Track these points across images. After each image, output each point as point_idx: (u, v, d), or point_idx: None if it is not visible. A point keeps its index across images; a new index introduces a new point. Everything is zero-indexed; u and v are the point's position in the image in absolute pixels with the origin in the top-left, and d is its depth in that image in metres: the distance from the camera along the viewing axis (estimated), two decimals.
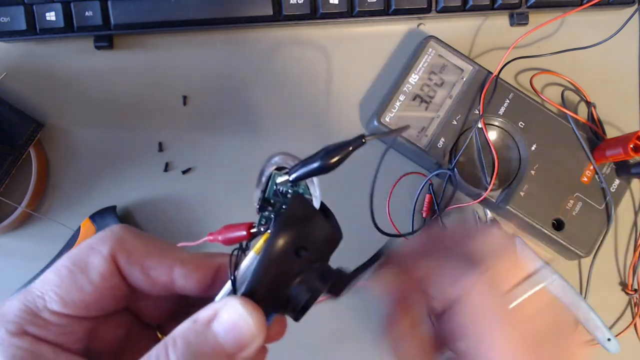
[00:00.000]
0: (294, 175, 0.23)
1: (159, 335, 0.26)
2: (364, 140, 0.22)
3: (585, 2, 0.47)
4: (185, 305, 0.26)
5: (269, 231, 0.23)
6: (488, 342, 0.23)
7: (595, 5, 0.46)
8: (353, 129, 0.47)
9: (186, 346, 0.20)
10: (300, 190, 0.24)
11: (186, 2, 0.45)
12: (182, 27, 0.46)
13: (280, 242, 0.21)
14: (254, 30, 0.48)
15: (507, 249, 0.25)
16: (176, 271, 0.23)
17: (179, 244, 0.30)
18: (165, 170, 0.47)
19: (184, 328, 0.20)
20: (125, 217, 0.46)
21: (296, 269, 0.21)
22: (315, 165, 0.22)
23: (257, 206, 0.25)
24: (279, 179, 0.24)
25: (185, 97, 0.47)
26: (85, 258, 0.22)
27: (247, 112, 0.47)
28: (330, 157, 0.22)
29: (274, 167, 0.24)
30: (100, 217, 0.44)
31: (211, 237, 0.26)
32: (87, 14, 0.45)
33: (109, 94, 0.47)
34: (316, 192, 0.24)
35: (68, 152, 0.47)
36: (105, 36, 0.46)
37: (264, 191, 0.25)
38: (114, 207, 0.45)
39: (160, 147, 0.47)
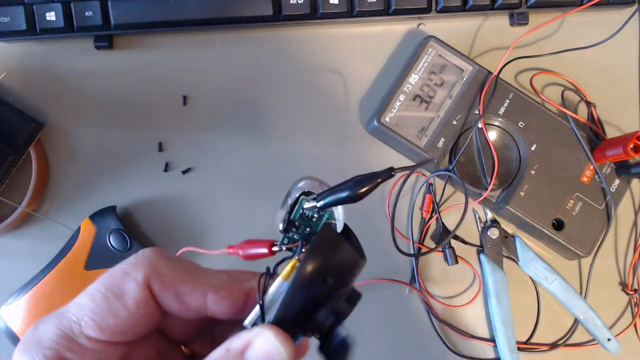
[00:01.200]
0: (322, 203, 0.24)
1: (184, 349, 0.27)
2: (392, 173, 0.22)
3: (585, 2, 0.47)
4: (211, 322, 0.26)
5: (295, 257, 0.23)
6: None
7: (595, 5, 0.46)
8: (353, 129, 0.47)
9: None
10: (326, 216, 0.25)
11: (186, 2, 0.45)
12: (182, 27, 0.46)
13: (309, 271, 0.21)
14: (254, 30, 0.48)
15: None
16: (209, 297, 0.23)
17: (185, 249, 0.31)
18: (165, 170, 0.47)
19: (218, 356, 0.21)
20: (125, 217, 0.46)
21: (324, 295, 0.22)
22: (343, 194, 0.23)
23: (282, 226, 0.26)
24: (307, 205, 0.25)
25: (185, 97, 0.47)
26: (119, 284, 0.22)
27: (247, 112, 0.47)
28: (359, 188, 0.22)
29: (301, 192, 0.25)
30: (100, 217, 0.44)
31: (231, 250, 0.27)
32: (87, 14, 0.45)
33: (109, 94, 0.47)
34: (340, 216, 0.25)
35: (68, 152, 0.47)
36: (105, 36, 0.46)
37: (289, 213, 0.26)
38: (114, 207, 0.45)
39: (160, 147, 0.47)
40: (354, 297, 0.23)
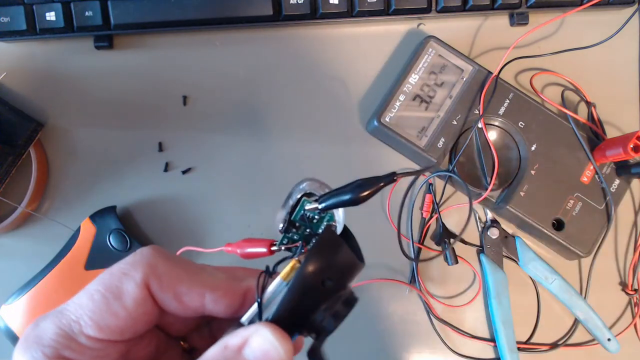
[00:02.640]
0: (323, 205, 0.24)
1: (183, 344, 0.27)
2: (395, 178, 0.23)
3: (585, 2, 0.47)
4: (210, 317, 0.26)
5: (295, 258, 0.24)
6: None
7: (595, 5, 0.46)
8: (353, 129, 0.47)
9: None
10: (327, 217, 0.26)
11: (186, 2, 0.45)
12: (182, 27, 0.46)
13: (310, 272, 0.22)
14: (254, 30, 0.48)
15: None
16: (207, 297, 0.24)
17: (184, 248, 0.30)
18: (165, 170, 0.47)
19: (214, 353, 0.21)
20: (125, 217, 0.46)
21: (322, 296, 0.22)
22: (345, 197, 0.23)
23: (282, 227, 0.26)
24: (308, 206, 0.25)
25: (185, 97, 0.47)
26: (118, 284, 0.22)
27: (247, 112, 0.47)
28: (360, 192, 0.23)
29: (303, 193, 0.25)
30: (100, 217, 0.44)
31: (229, 249, 0.27)
32: (87, 14, 0.45)
33: (108, 94, 0.47)
34: (340, 218, 0.25)
35: (68, 152, 0.47)
36: (105, 36, 0.46)
37: (290, 213, 0.26)
38: (114, 207, 0.45)
39: (160, 147, 0.47)
40: (350, 300, 0.23)
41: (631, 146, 0.41)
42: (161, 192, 0.47)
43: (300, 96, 0.48)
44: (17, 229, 0.46)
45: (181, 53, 0.48)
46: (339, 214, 0.25)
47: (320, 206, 0.24)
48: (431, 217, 0.46)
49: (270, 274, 0.23)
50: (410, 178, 0.45)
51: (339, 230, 0.25)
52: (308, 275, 0.22)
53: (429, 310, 0.46)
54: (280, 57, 0.48)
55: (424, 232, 0.47)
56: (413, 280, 0.46)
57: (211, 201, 0.47)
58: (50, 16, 0.45)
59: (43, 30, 0.45)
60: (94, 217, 0.44)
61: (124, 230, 0.44)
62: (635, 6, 0.48)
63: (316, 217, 0.26)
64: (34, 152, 0.45)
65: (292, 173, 0.47)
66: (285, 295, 0.22)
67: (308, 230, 0.26)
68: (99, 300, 0.22)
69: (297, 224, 0.26)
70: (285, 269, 0.23)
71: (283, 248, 0.26)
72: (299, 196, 0.26)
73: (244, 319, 0.23)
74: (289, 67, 0.48)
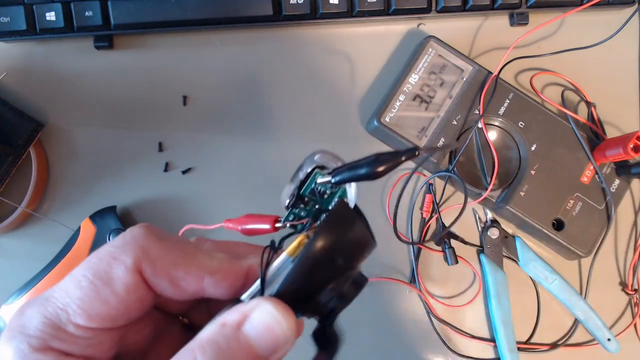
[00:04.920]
0: (337, 178, 0.22)
1: (183, 320, 0.25)
2: (417, 153, 0.21)
3: (585, 2, 0.46)
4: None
5: (304, 233, 0.22)
6: None
7: (595, 5, 0.46)
8: (353, 129, 0.47)
9: (216, 351, 0.19)
10: (339, 193, 0.24)
11: (186, 2, 0.45)
12: (182, 27, 0.46)
13: (319, 247, 0.20)
14: (253, 30, 0.48)
15: None
16: (206, 281, 0.22)
17: (188, 226, 0.29)
18: (165, 170, 0.47)
19: (211, 332, 0.19)
20: (125, 217, 0.46)
21: (330, 274, 0.21)
22: (362, 171, 0.21)
23: (289, 201, 0.24)
24: (320, 179, 0.23)
25: (185, 97, 0.47)
26: (107, 269, 0.20)
27: (247, 111, 0.47)
28: (379, 165, 0.21)
29: (315, 166, 0.23)
30: (100, 217, 0.44)
31: (230, 225, 0.25)
32: (87, 14, 0.45)
33: (109, 94, 0.47)
34: (352, 195, 0.23)
35: (68, 152, 0.47)
36: (105, 36, 0.46)
37: (299, 187, 0.24)
38: (114, 207, 0.45)
39: (160, 147, 0.47)
40: (360, 281, 0.21)
41: (631, 146, 0.41)
42: (161, 192, 0.47)
43: (300, 96, 0.48)
44: (17, 229, 0.46)
45: (181, 53, 0.48)
46: (352, 190, 0.23)
47: (333, 179, 0.22)
48: (431, 217, 0.46)
49: (275, 249, 0.22)
50: (409, 175, 0.45)
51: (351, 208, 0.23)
52: (318, 250, 0.20)
53: (429, 310, 0.46)
54: (281, 57, 0.48)
55: (424, 232, 0.47)
56: (413, 280, 0.46)
57: (211, 201, 0.47)
58: (50, 16, 0.45)
59: (43, 30, 0.45)
60: (94, 217, 0.44)
61: (124, 230, 0.44)
62: (635, 6, 0.48)
63: (327, 191, 0.24)
64: (34, 152, 0.45)
65: (292, 173, 0.47)
66: (291, 271, 0.20)
67: (317, 206, 0.24)
68: (87, 287, 0.20)
69: (306, 199, 0.24)
70: (292, 244, 0.21)
71: (288, 225, 0.24)
72: (310, 169, 0.23)
73: (245, 296, 0.21)
74: (289, 67, 0.48)
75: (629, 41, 0.49)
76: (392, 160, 0.21)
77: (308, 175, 0.24)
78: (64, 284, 0.20)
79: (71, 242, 0.44)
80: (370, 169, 0.21)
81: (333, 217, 0.21)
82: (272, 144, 0.47)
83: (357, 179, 0.21)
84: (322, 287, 0.20)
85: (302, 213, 0.24)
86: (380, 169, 0.21)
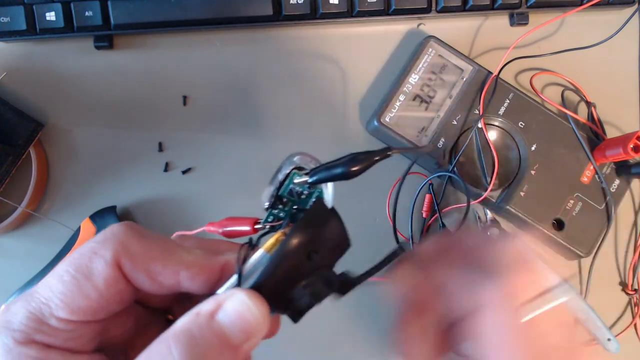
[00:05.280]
0: (314, 178, 0.23)
1: (170, 317, 0.26)
2: (389, 153, 0.22)
3: (585, 2, 0.47)
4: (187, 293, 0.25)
5: (281, 230, 0.23)
6: (497, 355, 0.23)
7: (595, 5, 0.46)
8: (353, 128, 0.47)
9: (189, 340, 0.19)
10: (316, 193, 0.24)
11: (186, 2, 0.45)
12: (182, 27, 0.46)
13: (295, 244, 0.21)
14: (254, 30, 0.48)
15: (526, 261, 0.25)
16: (182, 274, 0.23)
17: (176, 233, 0.30)
18: (165, 170, 0.47)
19: (186, 322, 0.20)
20: (125, 217, 0.46)
21: (304, 271, 0.21)
22: (337, 170, 0.22)
23: (268, 203, 0.25)
24: (297, 179, 0.24)
25: (185, 97, 0.47)
26: (88, 263, 0.21)
27: (247, 111, 0.47)
28: (354, 165, 0.22)
29: (293, 167, 0.24)
30: (100, 217, 0.44)
31: (212, 228, 0.26)
32: (87, 14, 0.45)
33: (109, 94, 0.47)
34: (330, 195, 0.23)
35: (68, 152, 0.47)
36: (105, 36, 0.46)
37: (278, 189, 0.25)
38: (114, 207, 0.45)
39: (160, 147, 0.47)
40: (332, 281, 0.22)
41: (631, 146, 0.41)
42: (161, 192, 0.47)
43: (300, 96, 0.48)
44: (17, 229, 0.46)
45: (181, 53, 0.48)
46: (329, 190, 0.24)
47: (310, 179, 0.23)
48: (431, 217, 0.46)
49: (252, 246, 0.22)
50: (404, 173, 0.45)
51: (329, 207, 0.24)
52: (294, 246, 0.21)
53: None
54: (280, 57, 0.48)
55: (424, 232, 0.47)
56: None
57: (211, 201, 0.47)
58: (50, 16, 0.45)
59: (43, 30, 0.45)
60: (94, 217, 0.44)
61: None
62: (635, 6, 0.48)
63: (305, 192, 0.24)
64: (34, 152, 0.45)
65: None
66: (266, 265, 0.21)
67: (295, 207, 0.25)
68: (69, 281, 0.21)
69: (285, 200, 0.25)
70: (270, 241, 0.22)
71: (268, 226, 0.25)
72: (288, 170, 0.24)
73: (221, 290, 0.22)
74: (289, 67, 0.48)
75: (629, 41, 0.49)
76: (366, 160, 0.22)
77: (286, 176, 0.24)
78: (47, 279, 0.21)
79: (71, 242, 0.44)
80: (345, 168, 0.22)
81: (310, 215, 0.22)
82: (272, 144, 0.47)
83: (333, 178, 0.22)
84: (296, 282, 0.21)
85: (281, 214, 0.25)
86: (355, 168, 0.22)
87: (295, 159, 0.24)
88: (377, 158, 0.22)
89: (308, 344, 0.46)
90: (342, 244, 0.22)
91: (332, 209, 0.23)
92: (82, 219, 0.44)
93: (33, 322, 0.20)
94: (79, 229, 0.44)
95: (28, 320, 0.20)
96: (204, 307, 0.20)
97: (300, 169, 0.24)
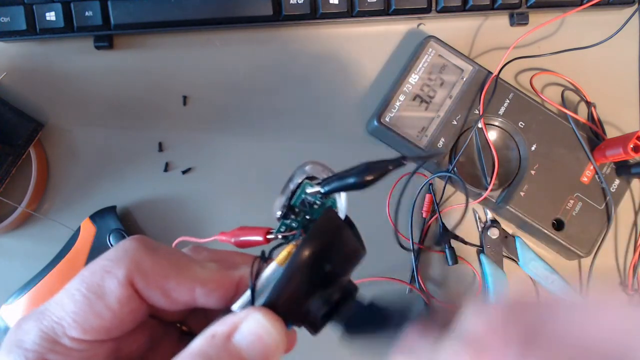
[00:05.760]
0: (327, 188, 0.22)
1: (183, 328, 0.26)
2: (403, 162, 0.21)
3: (585, 2, 0.47)
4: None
5: (293, 242, 0.22)
6: None
7: (595, 5, 0.46)
8: (353, 128, 0.47)
9: None
10: (329, 203, 0.24)
11: (186, 2, 0.45)
12: (182, 27, 0.46)
13: (306, 255, 0.20)
14: (254, 30, 0.48)
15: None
16: (197, 291, 0.22)
17: (182, 238, 0.29)
18: (165, 170, 0.47)
19: (202, 344, 0.20)
20: (125, 217, 0.46)
21: (319, 283, 0.21)
22: (350, 180, 0.21)
23: (280, 213, 0.24)
24: (310, 189, 0.24)
25: (185, 97, 0.47)
26: (100, 282, 0.21)
27: (247, 112, 0.47)
28: (367, 174, 0.21)
29: (305, 176, 0.24)
30: (100, 217, 0.44)
31: (223, 238, 0.26)
32: (87, 14, 0.45)
33: (109, 94, 0.47)
34: (342, 205, 0.23)
35: (68, 152, 0.47)
36: (105, 36, 0.46)
37: (290, 198, 0.24)
38: (114, 207, 0.45)
39: (160, 147, 0.47)
40: (350, 290, 0.22)
41: (631, 146, 0.41)
42: (161, 192, 0.47)
43: (300, 96, 0.48)
44: (17, 229, 0.46)
45: (181, 53, 0.48)
46: (342, 200, 0.23)
47: (323, 190, 0.22)
48: (431, 217, 0.46)
49: (265, 259, 0.22)
50: (409, 176, 0.45)
51: (340, 217, 0.23)
52: (305, 257, 0.20)
53: None
54: (280, 57, 0.48)
55: (424, 232, 0.47)
56: (413, 280, 0.46)
57: (211, 201, 0.47)
58: (50, 16, 0.45)
59: (43, 30, 0.45)
60: (94, 217, 0.44)
61: (124, 230, 0.44)
62: (635, 6, 0.48)
63: (317, 202, 0.24)
64: (34, 152, 0.45)
65: (292, 173, 0.47)
66: (279, 279, 0.20)
67: (308, 217, 0.24)
68: (81, 300, 0.20)
69: (297, 210, 0.24)
70: (282, 253, 0.22)
71: (280, 236, 0.24)
72: (300, 179, 0.24)
73: (235, 306, 0.21)
74: (289, 67, 0.48)
75: (629, 41, 0.49)
76: (379, 169, 0.21)
77: (298, 186, 0.24)
78: (59, 297, 0.21)
79: (71, 242, 0.44)
80: (358, 178, 0.21)
81: (320, 225, 0.21)
82: (272, 144, 0.47)
83: (346, 188, 0.22)
84: (311, 294, 0.21)
85: (294, 224, 0.24)
86: (369, 178, 0.21)
87: (307, 168, 0.24)
88: (391, 167, 0.21)
89: (308, 345, 0.46)
90: (356, 252, 0.22)
91: (346, 220, 0.23)
92: (82, 219, 0.44)
93: (46, 341, 0.20)
94: (79, 229, 0.44)
95: (41, 339, 0.20)
96: (220, 328, 0.20)
97: (312, 178, 0.24)
